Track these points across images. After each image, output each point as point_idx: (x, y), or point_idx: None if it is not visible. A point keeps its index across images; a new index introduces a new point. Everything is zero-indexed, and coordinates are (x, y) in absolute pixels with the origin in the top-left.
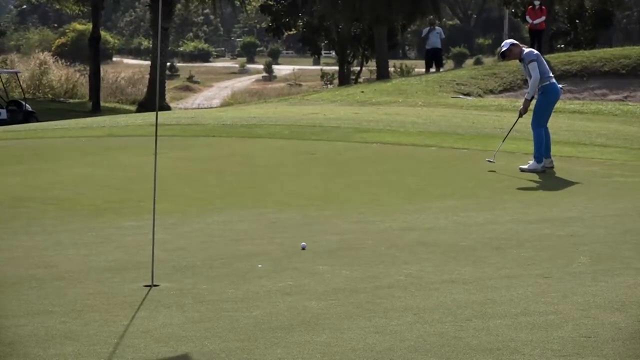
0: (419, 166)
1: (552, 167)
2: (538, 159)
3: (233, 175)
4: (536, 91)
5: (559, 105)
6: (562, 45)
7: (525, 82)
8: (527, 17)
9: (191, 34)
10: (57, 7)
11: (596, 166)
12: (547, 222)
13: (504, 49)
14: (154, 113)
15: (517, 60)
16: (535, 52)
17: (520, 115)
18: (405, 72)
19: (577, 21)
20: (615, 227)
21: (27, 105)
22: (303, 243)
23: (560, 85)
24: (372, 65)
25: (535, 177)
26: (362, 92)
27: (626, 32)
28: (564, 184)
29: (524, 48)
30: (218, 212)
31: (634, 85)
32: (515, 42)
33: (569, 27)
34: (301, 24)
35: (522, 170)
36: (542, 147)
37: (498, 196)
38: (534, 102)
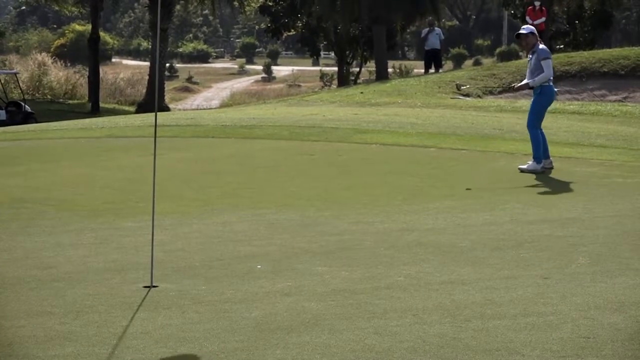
0: (418, 167)
1: (552, 168)
2: (537, 159)
3: (232, 176)
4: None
5: (558, 105)
6: (561, 46)
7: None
8: (527, 18)
9: (190, 35)
10: (56, 8)
11: (595, 167)
12: (546, 223)
13: (523, 31)
14: (153, 114)
15: (526, 54)
16: (549, 50)
17: (513, 86)
18: (405, 73)
19: (577, 22)
20: (615, 228)
21: (26, 106)
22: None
23: (555, 89)
24: (371, 66)
25: (534, 178)
26: (361, 93)
27: (625, 33)
28: (563, 184)
29: (539, 42)
30: (217, 213)
31: (633, 86)
32: (535, 32)
33: (568, 28)
34: (300, 24)
35: (522, 170)
36: (541, 147)
37: (497, 197)
38: (527, 103)
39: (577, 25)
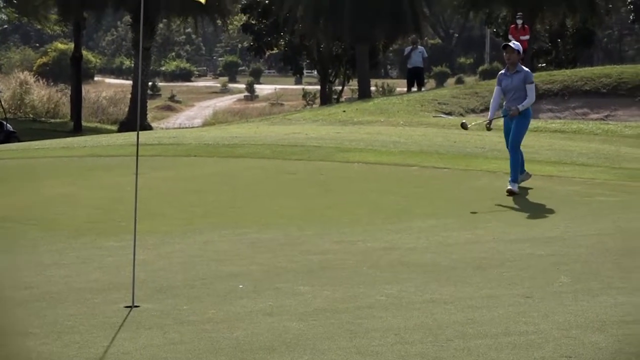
0: (401, 186)
1: (531, 176)
2: (516, 180)
3: (214, 195)
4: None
5: (540, 124)
6: (544, 64)
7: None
8: (510, 36)
9: (173, 53)
10: (39, 26)
11: (577, 185)
12: (528, 241)
13: (513, 45)
14: (136, 133)
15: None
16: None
17: (508, 113)
18: (387, 91)
19: (559, 40)
20: (596, 246)
21: (8, 125)
22: None
23: None
24: (353, 84)
25: (517, 196)
26: (344, 111)
27: (607, 51)
28: (545, 203)
29: (522, 64)
30: (199, 232)
31: (615, 104)
32: (521, 52)
33: (550, 46)
34: (283, 43)
35: (514, 193)
36: (519, 167)
37: (479, 216)
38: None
39: (559, 43)
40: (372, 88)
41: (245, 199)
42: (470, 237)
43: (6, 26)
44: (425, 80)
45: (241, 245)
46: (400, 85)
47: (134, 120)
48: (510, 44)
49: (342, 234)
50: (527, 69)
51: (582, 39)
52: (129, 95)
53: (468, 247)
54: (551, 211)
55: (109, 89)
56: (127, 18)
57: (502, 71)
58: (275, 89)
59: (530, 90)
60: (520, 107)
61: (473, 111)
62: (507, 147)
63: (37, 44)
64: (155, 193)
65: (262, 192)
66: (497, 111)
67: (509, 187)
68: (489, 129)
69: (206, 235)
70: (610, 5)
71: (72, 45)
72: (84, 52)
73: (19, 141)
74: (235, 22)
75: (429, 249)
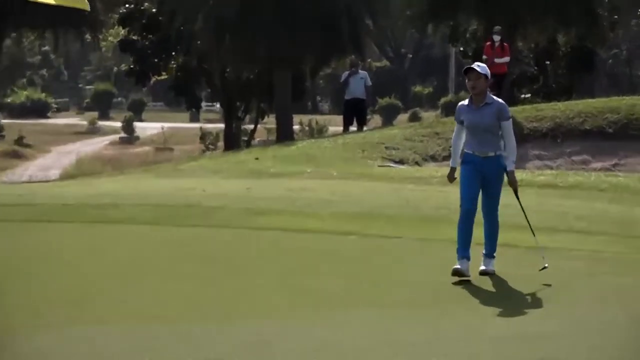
0: (334, 262)
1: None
2: (493, 254)
3: (74, 277)
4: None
5: (524, 176)
6: (528, 95)
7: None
8: (484, 58)
9: (23, 79)
10: None
11: (576, 261)
12: (511, 340)
13: (477, 68)
14: None
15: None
16: None
17: (516, 192)
18: (317, 132)
19: (548, 63)
20: (604, 347)
21: None
22: None
23: None
24: (270, 121)
25: (494, 277)
26: (257, 158)
27: (613, 77)
28: (532, 286)
29: (491, 93)
30: (51, 328)
31: (625, 149)
32: (489, 77)
33: (537, 71)
34: (175, 65)
35: (488, 273)
36: (497, 236)
37: (443, 305)
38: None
39: (548, 67)
40: (296, 127)
41: (118, 282)
42: (431, 334)
43: None
44: (369, 117)
45: (111, 348)
46: (335, 123)
47: None
48: (475, 66)
49: (253, 330)
50: (500, 100)
51: (579, 61)
52: None
53: (428, 349)
54: (541, 297)
55: None
56: None
57: (464, 102)
58: (162, 128)
59: (509, 130)
60: (512, 167)
61: (433, 158)
62: (462, 205)
63: None
64: None
65: (142, 271)
66: (460, 158)
67: (483, 267)
68: (451, 180)
69: (61, 332)
70: (616, 16)
71: None
72: None
73: None
74: (110, 38)
75: (373, 350)
